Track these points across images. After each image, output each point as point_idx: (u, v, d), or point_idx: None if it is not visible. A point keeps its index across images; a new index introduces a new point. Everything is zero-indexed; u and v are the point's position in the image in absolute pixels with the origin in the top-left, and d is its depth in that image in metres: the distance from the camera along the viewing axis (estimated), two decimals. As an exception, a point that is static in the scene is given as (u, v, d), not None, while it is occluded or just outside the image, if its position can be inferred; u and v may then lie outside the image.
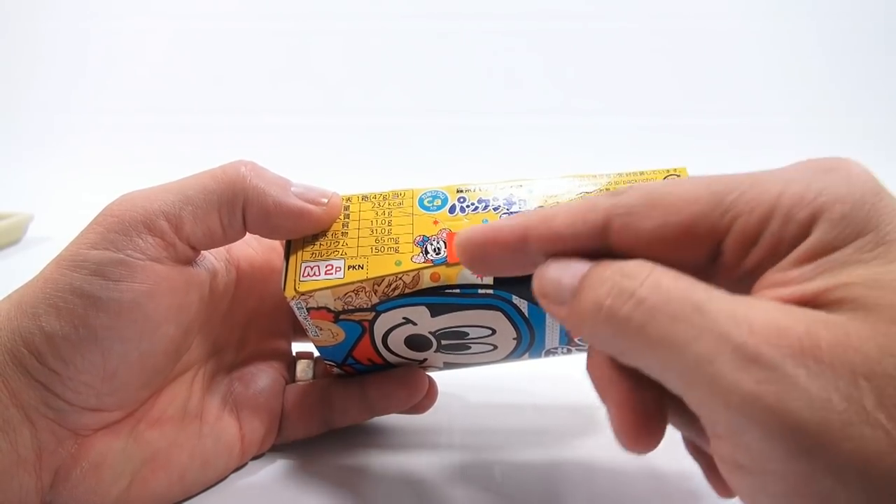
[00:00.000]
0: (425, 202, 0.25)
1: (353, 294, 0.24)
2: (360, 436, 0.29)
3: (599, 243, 0.18)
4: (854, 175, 0.16)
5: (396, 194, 0.25)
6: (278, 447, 0.29)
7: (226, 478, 0.26)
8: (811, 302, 0.15)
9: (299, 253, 0.24)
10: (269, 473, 0.27)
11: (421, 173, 0.77)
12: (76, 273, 0.21)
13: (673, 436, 0.29)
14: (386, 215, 0.25)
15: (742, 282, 0.17)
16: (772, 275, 0.16)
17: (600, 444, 0.29)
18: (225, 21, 0.94)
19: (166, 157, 0.89)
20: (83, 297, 0.21)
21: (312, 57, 0.93)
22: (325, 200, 0.25)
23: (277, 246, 0.29)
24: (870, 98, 0.89)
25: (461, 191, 0.25)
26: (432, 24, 0.92)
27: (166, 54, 0.94)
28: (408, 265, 0.23)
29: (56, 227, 0.65)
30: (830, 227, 0.15)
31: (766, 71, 0.90)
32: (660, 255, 0.17)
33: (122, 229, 0.22)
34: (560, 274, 0.18)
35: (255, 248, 0.28)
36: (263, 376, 0.28)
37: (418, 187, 0.26)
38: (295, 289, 0.23)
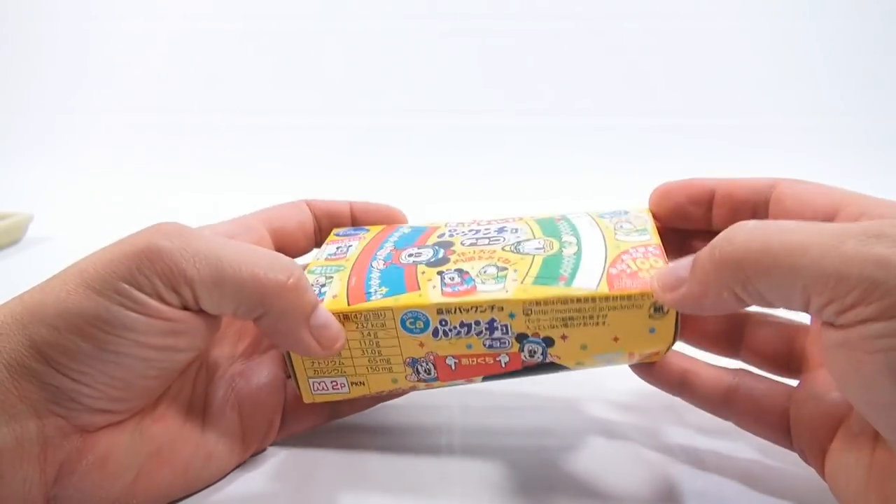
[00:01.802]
0: (407, 324, 0.25)
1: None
2: (361, 434, 0.30)
3: (763, 202, 0.25)
4: None
5: (377, 314, 0.25)
6: (279, 443, 0.29)
7: (228, 474, 0.26)
8: None
9: (303, 368, 0.26)
10: (269, 471, 0.27)
11: (421, 173, 0.78)
12: (105, 301, 0.21)
13: (673, 436, 0.29)
14: (372, 336, 0.25)
15: None
16: None
17: (600, 444, 0.29)
18: (225, 21, 0.94)
19: (166, 157, 0.89)
20: (110, 324, 0.21)
21: (312, 57, 0.93)
22: (339, 345, 0.25)
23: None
24: (870, 98, 0.89)
25: (441, 311, 0.25)
26: (432, 24, 0.92)
27: (166, 55, 0.94)
28: (403, 383, 0.26)
29: (56, 227, 0.65)
30: None
31: (766, 71, 0.90)
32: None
33: (159, 274, 0.21)
34: (673, 270, 0.22)
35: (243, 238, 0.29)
36: (265, 370, 0.28)
37: (397, 304, 0.25)
38: (311, 397, 0.27)
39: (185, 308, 0.22)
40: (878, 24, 0.90)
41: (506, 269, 0.26)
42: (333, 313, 0.25)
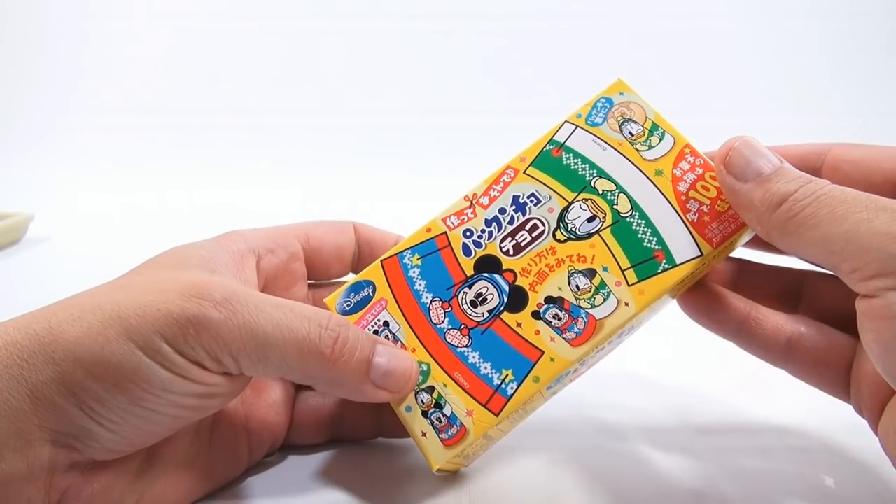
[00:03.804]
0: (551, 385, 0.24)
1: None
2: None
3: (814, 169, 0.24)
4: None
5: (527, 401, 0.24)
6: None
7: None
8: None
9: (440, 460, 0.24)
10: (268, 469, 0.27)
11: (421, 174, 0.78)
12: (147, 360, 0.20)
13: (673, 439, 0.29)
14: (522, 412, 0.25)
15: None
16: None
17: (600, 444, 0.29)
18: (225, 21, 0.94)
19: (166, 157, 0.89)
20: (149, 383, 0.20)
21: (313, 57, 0.93)
22: (411, 383, 0.24)
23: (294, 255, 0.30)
24: (870, 98, 0.89)
25: (580, 359, 0.24)
26: (432, 24, 0.92)
27: (166, 54, 0.94)
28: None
29: (56, 227, 0.65)
30: None
31: (766, 71, 0.90)
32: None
33: (204, 345, 0.21)
34: (751, 157, 0.21)
35: (275, 256, 0.28)
36: (275, 387, 0.28)
37: (541, 384, 0.23)
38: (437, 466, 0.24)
39: (226, 373, 0.22)
40: (879, 24, 0.90)
41: (594, 272, 0.24)
42: (477, 436, 0.23)
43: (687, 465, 0.27)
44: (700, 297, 0.27)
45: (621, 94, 0.26)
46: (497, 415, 0.23)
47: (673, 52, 0.91)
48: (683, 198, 0.24)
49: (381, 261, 0.24)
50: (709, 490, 0.25)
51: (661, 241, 0.24)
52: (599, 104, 0.26)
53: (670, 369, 0.35)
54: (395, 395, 0.24)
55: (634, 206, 0.24)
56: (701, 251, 0.24)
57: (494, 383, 0.23)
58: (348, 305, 0.24)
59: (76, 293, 0.23)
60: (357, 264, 0.30)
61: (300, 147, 0.89)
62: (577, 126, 0.26)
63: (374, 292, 0.24)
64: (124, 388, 0.20)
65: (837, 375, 0.25)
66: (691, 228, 0.24)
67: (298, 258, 0.28)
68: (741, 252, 0.27)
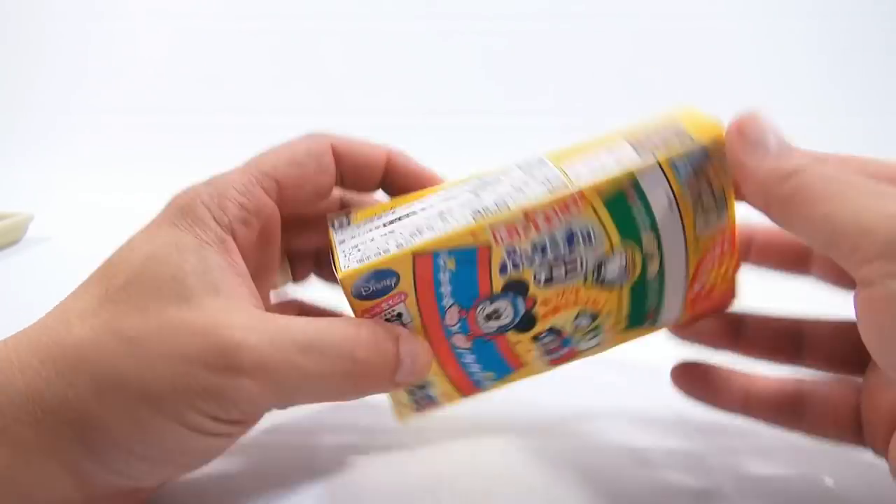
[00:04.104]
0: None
1: None
2: (355, 433, 0.30)
3: None
4: None
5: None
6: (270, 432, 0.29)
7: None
8: None
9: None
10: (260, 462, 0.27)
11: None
12: (179, 428, 0.20)
13: (673, 439, 0.29)
14: None
15: None
16: None
17: (599, 445, 0.29)
18: (225, 21, 0.94)
19: (166, 157, 0.89)
20: (180, 448, 0.21)
21: (313, 57, 0.93)
22: (428, 368, 0.24)
23: None
24: (870, 98, 0.89)
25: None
26: (432, 24, 0.92)
27: (167, 54, 0.94)
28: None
29: (56, 227, 0.65)
30: None
31: (766, 71, 0.90)
32: None
33: (230, 405, 0.20)
34: (766, 129, 0.21)
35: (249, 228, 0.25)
36: None
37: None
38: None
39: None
40: (879, 24, 0.90)
41: (597, 316, 0.24)
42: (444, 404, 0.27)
43: (687, 465, 0.27)
44: (697, 383, 0.27)
45: (716, 147, 0.23)
46: (467, 396, 0.27)
47: (673, 52, 0.91)
48: (698, 274, 0.24)
49: (414, 254, 0.22)
50: (709, 490, 0.25)
51: (659, 305, 0.25)
52: (695, 155, 0.23)
53: (669, 368, 0.35)
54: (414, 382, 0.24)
55: (661, 271, 0.24)
56: (680, 319, 0.26)
57: (476, 379, 0.26)
58: (366, 291, 0.22)
59: (63, 318, 0.21)
60: (342, 183, 0.27)
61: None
62: (662, 172, 0.22)
63: (396, 284, 0.22)
64: (156, 458, 0.20)
65: (850, 419, 0.25)
66: (687, 301, 0.25)
67: (274, 220, 0.25)
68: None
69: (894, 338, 0.17)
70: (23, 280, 0.53)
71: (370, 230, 0.23)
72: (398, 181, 0.27)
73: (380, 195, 0.29)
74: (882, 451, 0.23)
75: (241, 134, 0.90)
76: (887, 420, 0.23)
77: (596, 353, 0.26)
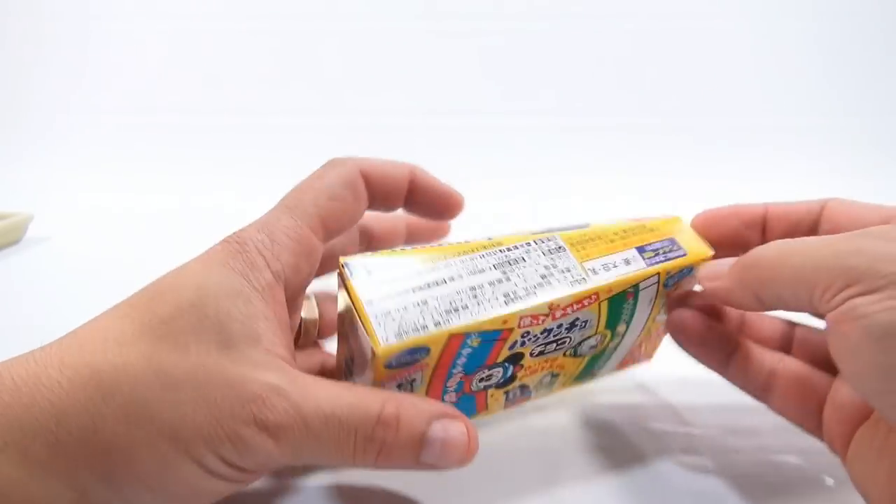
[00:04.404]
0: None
1: None
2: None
3: (815, 221, 0.26)
4: None
5: None
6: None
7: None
8: None
9: None
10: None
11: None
12: (198, 470, 0.20)
13: (673, 439, 0.29)
14: None
15: None
16: None
17: (599, 445, 0.29)
18: (225, 21, 0.94)
19: (166, 157, 0.89)
20: (195, 488, 0.21)
21: (312, 57, 0.93)
22: (469, 458, 0.23)
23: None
24: (869, 98, 0.89)
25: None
26: (432, 24, 0.92)
27: (166, 54, 0.94)
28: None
29: (56, 227, 0.65)
30: None
31: (766, 71, 0.90)
32: None
33: (251, 454, 0.21)
34: (718, 265, 0.25)
35: (299, 273, 0.26)
36: None
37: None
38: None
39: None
40: (878, 25, 0.90)
41: (558, 375, 0.28)
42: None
43: (687, 465, 0.27)
44: (693, 328, 0.27)
45: (699, 266, 0.27)
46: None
47: (673, 52, 0.91)
48: (642, 342, 0.30)
49: (450, 335, 0.23)
50: (709, 490, 0.26)
51: (604, 366, 0.30)
52: (685, 272, 0.27)
53: (670, 369, 0.35)
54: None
55: (617, 346, 0.29)
56: (610, 372, 0.32)
57: None
58: (396, 362, 0.23)
59: (105, 348, 0.21)
60: (370, 204, 0.28)
61: (301, 147, 0.89)
62: (658, 281, 0.27)
63: (424, 356, 0.23)
64: (166, 493, 0.20)
65: (812, 411, 0.26)
66: (622, 361, 0.31)
67: (318, 258, 0.26)
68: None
69: (858, 345, 0.19)
70: (23, 280, 0.53)
71: (400, 294, 0.23)
72: (421, 198, 0.29)
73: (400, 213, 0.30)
74: (838, 452, 0.24)
75: (241, 134, 0.91)
76: (846, 423, 0.24)
77: (541, 398, 0.31)
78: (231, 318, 0.21)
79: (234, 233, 0.24)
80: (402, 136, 0.88)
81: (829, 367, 0.27)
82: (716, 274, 0.25)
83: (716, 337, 0.27)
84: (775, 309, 0.23)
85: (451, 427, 0.22)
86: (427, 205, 0.29)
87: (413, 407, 0.22)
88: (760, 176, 0.79)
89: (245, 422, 0.20)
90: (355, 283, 0.23)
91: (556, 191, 0.75)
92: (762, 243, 0.27)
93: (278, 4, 0.94)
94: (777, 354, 0.27)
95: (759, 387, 0.27)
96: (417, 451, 0.22)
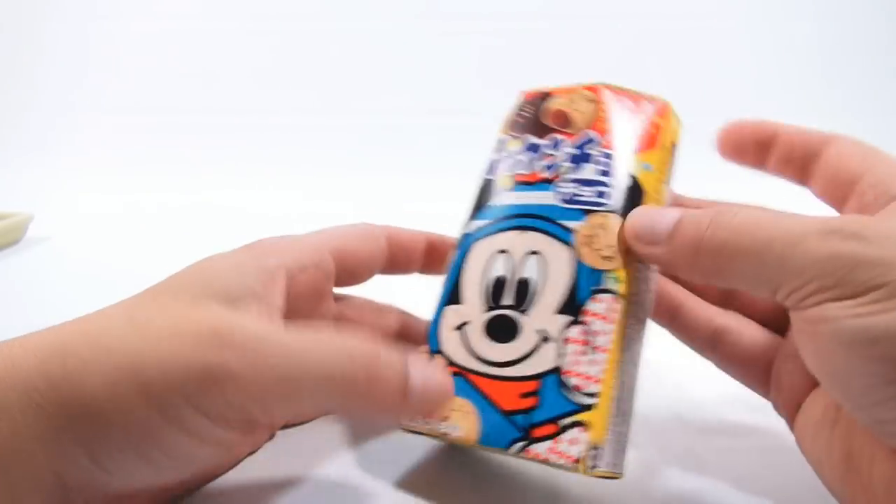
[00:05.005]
0: None
1: None
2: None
3: (815, 155, 0.25)
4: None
5: None
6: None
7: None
8: None
9: None
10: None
11: (421, 173, 0.78)
12: (169, 427, 0.20)
13: (673, 439, 0.29)
14: None
15: None
16: None
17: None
18: (225, 22, 0.94)
19: (166, 158, 0.89)
20: (167, 447, 0.20)
21: (312, 57, 0.93)
22: (443, 409, 0.23)
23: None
24: (870, 98, 0.89)
25: None
26: (432, 24, 0.92)
27: (166, 55, 0.94)
28: None
29: (56, 227, 0.65)
30: None
31: (766, 71, 0.91)
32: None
33: (228, 401, 0.20)
34: (652, 221, 0.22)
35: (307, 275, 0.27)
36: None
37: None
38: None
39: (248, 428, 0.21)
40: (879, 25, 0.91)
41: None
42: None
43: (687, 465, 0.27)
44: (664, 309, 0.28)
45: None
46: None
47: (673, 52, 0.91)
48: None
49: None
50: (709, 490, 0.25)
51: None
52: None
53: (670, 368, 0.35)
54: (425, 417, 0.23)
55: None
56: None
57: None
58: None
59: (89, 314, 0.22)
60: (384, 269, 0.30)
61: (301, 147, 0.89)
62: None
63: None
64: (142, 452, 0.20)
65: (758, 371, 0.26)
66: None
67: (331, 277, 0.27)
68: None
69: (827, 349, 0.19)
70: (23, 280, 0.53)
71: None
72: (436, 264, 0.31)
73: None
74: (784, 416, 0.25)
75: (241, 134, 0.91)
76: (790, 388, 0.24)
77: None
78: (216, 279, 0.22)
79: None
80: (403, 136, 0.88)
81: (777, 326, 0.27)
82: (653, 237, 0.22)
83: (658, 294, 0.27)
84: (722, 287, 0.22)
85: (426, 367, 0.22)
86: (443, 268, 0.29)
87: (387, 351, 0.22)
88: (760, 176, 0.79)
89: (214, 349, 0.19)
90: None
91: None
92: (761, 161, 0.27)
93: (279, 4, 0.94)
94: (722, 313, 0.27)
95: (705, 345, 0.27)
96: (404, 390, 0.21)
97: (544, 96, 0.27)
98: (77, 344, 0.20)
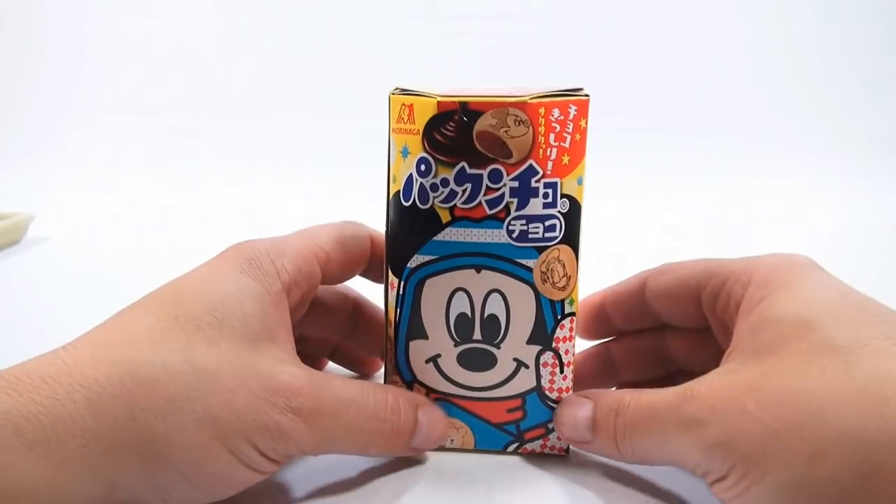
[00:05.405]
0: None
1: None
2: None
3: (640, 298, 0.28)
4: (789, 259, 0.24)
5: None
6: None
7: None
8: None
9: None
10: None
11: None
12: (234, 461, 0.21)
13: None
14: None
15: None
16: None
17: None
18: (224, 22, 0.94)
19: (166, 158, 0.89)
20: (229, 479, 0.22)
21: (311, 57, 0.93)
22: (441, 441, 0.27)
23: None
24: (870, 98, 0.89)
25: None
26: (432, 24, 0.92)
27: (166, 55, 0.94)
28: None
29: (56, 227, 0.65)
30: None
31: (766, 71, 0.90)
32: (672, 308, 0.27)
33: (278, 445, 0.22)
34: (574, 420, 0.25)
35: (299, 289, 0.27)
36: None
37: None
38: None
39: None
40: (879, 25, 0.90)
41: None
42: None
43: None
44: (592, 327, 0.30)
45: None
46: None
47: (673, 52, 0.91)
48: None
49: None
50: (709, 490, 0.25)
51: None
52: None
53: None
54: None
55: None
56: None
57: None
58: None
59: (139, 344, 0.22)
60: (368, 272, 0.30)
61: (300, 147, 0.89)
62: None
63: None
64: (207, 486, 0.21)
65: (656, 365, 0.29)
66: None
67: (316, 286, 0.27)
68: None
69: None
70: (23, 280, 0.53)
71: None
72: None
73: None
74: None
75: (241, 135, 0.91)
76: None
77: None
78: (253, 318, 0.23)
79: (246, 242, 0.26)
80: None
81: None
82: (581, 437, 0.25)
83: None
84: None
85: (430, 412, 0.26)
86: None
87: (403, 395, 0.25)
88: (760, 176, 0.79)
89: (281, 409, 0.22)
90: None
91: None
92: (612, 331, 0.30)
93: (278, 5, 0.94)
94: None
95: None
96: (411, 434, 0.25)
97: (465, 111, 0.23)
98: (141, 388, 0.20)
